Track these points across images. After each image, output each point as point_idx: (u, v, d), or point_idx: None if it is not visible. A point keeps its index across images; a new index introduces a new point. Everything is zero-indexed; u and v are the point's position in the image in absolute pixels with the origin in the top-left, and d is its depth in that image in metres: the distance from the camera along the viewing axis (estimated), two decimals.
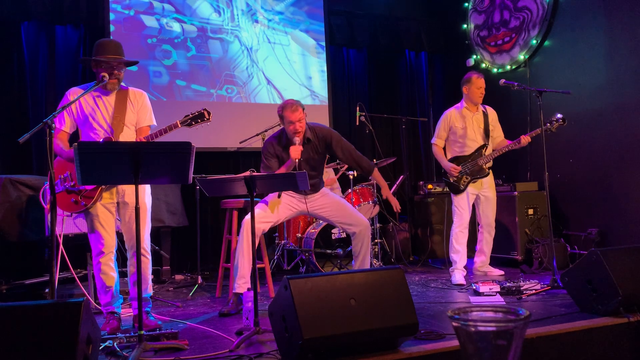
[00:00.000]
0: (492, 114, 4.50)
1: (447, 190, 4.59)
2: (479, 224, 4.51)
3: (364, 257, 3.60)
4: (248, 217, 3.36)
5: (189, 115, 3.18)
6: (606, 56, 4.86)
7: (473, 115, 4.40)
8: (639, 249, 2.99)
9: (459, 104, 4.47)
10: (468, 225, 4.35)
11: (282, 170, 3.53)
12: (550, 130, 4.07)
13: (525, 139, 4.19)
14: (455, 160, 4.39)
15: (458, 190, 4.34)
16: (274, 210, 3.55)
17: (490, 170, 4.43)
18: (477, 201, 4.41)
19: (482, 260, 4.53)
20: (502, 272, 4.50)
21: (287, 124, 3.50)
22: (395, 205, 3.78)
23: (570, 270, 3.10)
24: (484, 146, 4.38)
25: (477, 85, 4.33)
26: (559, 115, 4.07)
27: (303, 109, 3.50)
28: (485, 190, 4.39)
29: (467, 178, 4.32)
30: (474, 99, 4.36)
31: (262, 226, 3.51)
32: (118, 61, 3.05)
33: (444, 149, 4.52)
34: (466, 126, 4.37)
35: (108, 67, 3.04)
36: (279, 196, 3.59)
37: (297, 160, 3.43)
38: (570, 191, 5.18)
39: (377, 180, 3.79)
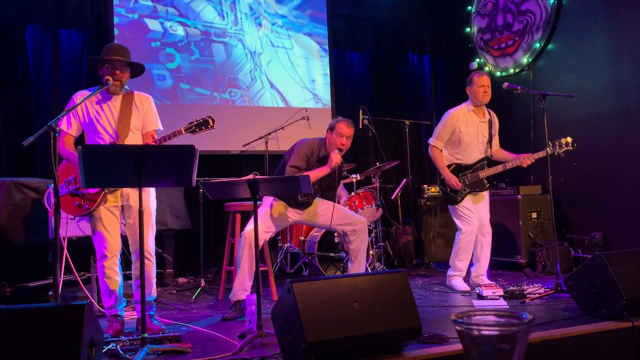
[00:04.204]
0: (496, 123, 4.30)
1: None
2: None
3: (362, 253, 3.68)
4: (248, 228, 3.38)
5: (193, 122, 3.16)
6: (610, 59, 4.85)
7: (479, 121, 4.17)
8: None
9: (465, 105, 4.21)
10: (476, 231, 4.11)
11: (313, 173, 3.46)
12: (558, 154, 3.94)
13: (530, 159, 4.00)
14: (455, 168, 4.16)
15: (454, 201, 4.12)
16: (271, 221, 3.56)
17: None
18: None
19: (476, 268, 4.21)
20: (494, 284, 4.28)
21: (336, 135, 3.52)
22: None
23: (574, 274, 3.10)
24: (486, 158, 4.19)
25: (478, 84, 4.06)
26: (569, 139, 3.94)
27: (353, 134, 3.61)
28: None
29: (465, 189, 4.11)
30: (477, 98, 4.09)
31: (263, 236, 3.54)
32: (121, 62, 3.06)
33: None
34: (472, 133, 4.13)
35: (110, 67, 3.04)
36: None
37: (337, 165, 3.43)
38: (574, 194, 5.17)
39: None
